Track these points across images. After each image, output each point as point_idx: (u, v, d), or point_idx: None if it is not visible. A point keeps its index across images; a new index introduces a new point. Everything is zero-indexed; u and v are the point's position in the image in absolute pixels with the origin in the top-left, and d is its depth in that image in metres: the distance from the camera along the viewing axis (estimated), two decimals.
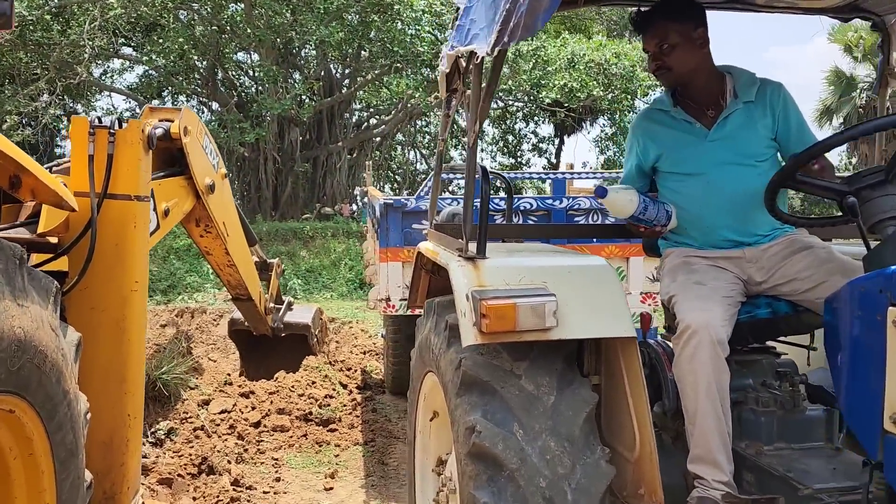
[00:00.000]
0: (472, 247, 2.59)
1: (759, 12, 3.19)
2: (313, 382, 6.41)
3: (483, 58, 2.38)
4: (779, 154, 2.84)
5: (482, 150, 23.78)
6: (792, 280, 2.64)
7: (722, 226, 2.77)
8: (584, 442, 2.36)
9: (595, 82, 15.02)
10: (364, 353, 8.71)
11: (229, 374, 6.32)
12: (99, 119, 3.05)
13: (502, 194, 4.96)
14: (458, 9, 3.00)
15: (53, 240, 2.99)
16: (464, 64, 3.03)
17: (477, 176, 2.60)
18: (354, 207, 19.86)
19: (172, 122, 3.79)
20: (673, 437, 2.73)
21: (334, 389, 6.56)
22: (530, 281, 2.47)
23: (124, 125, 3.11)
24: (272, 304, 6.65)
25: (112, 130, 3.03)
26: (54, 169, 3.21)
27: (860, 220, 2.07)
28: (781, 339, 2.82)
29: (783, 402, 2.55)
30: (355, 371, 7.29)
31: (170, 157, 4.05)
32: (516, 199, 4.97)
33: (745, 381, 2.71)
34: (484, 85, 2.52)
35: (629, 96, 16.45)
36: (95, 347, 2.99)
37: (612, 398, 2.59)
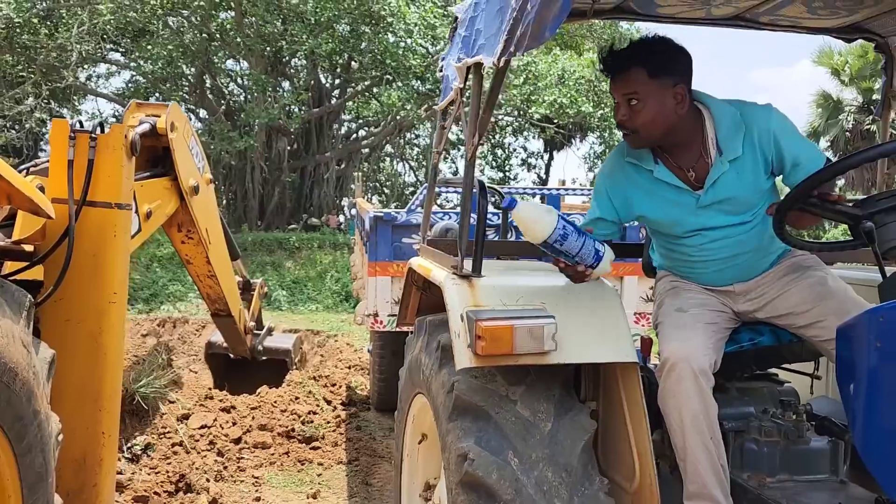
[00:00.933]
0: (468, 264, 2.49)
1: (763, 30, 3.13)
2: (296, 398, 6.26)
3: (484, 68, 2.29)
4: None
5: (457, 174, 23.77)
6: (788, 314, 2.47)
7: (721, 278, 2.57)
8: (583, 472, 2.25)
9: (585, 98, 15.03)
10: (349, 367, 8.55)
11: (210, 388, 6.16)
12: (80, 123, 2.92)
13: (492, 209, 4.87)
14: (456, 18, 2.92)
15: (29, 248, 2.86)
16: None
17: (474, 191, 2.50)
18: (341, 219, 19.74)
19: (159, 117, 3.65)
20: (672, 467, 2.63)
21: (318, 405, 6.41)
22: (528, 301, 2.37)
23: (107, 129, 2.99)
24: (252, 324, 6.49)
25: (93, 135, 2.90)
26: (31, 170, 3.08)
27: (875, 246, 1.98)
28: (785, 366, 2.73)
29: (787, 431, 2.46)
30: (340, 387, 7.14)
31: (154, 157, 3.94)
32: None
33: (746, 410, 2.62)
34: (484, 97, 2.42)
35: None
36: (70, 362, 2.86)
37: (611, 426, 2.49)
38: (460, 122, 2.70)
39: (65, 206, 2.78)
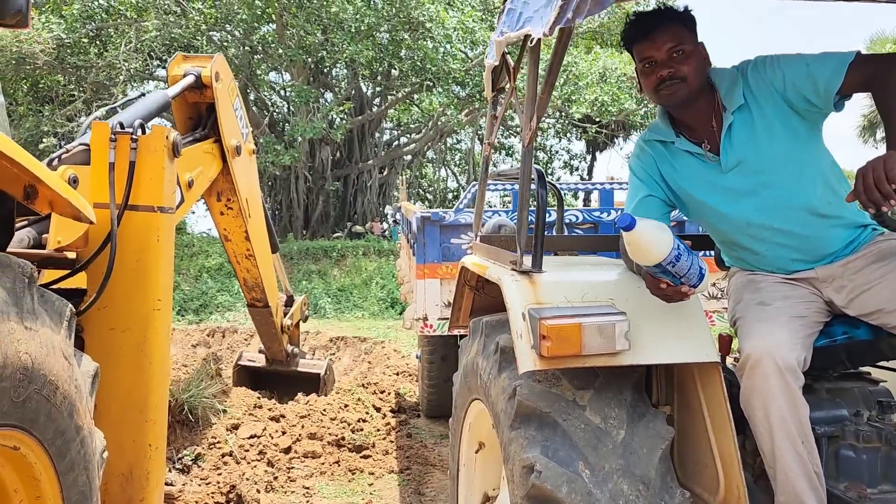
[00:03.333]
0: (527, 260, 2.29)
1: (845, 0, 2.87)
2: (346, 406, 6.13)
3: (539, 42, 2.10)
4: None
5: (511, 167, 23.53)
6: (878, 312, 2.16)
7: (781, 257, 2.34)
8: (661, 484, 2.04)
9: (627, 96, 14.69)
10: (397, 374, 8.41)
11: (259, 397, 6.06)
12: (121, 124, 2.82)
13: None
14: None
15: (71, 255, 2.76)
16: (512, 61, 2.78)
17: (533, 179, 2.31)
18: (385, 226, 19.70)
19: (204, 68, 3.62)
20: (757, 476, 2.39)
21: (367, 413, 6.27)
22: (595, 297, 2.17)
23: (148, 131, 2.88)
24: (289, 321, 6.35)
25: (134, 136, 2.80)
26: (63, 157, 2.98)
27: None
28: (882, 364, 2.47)
29: (889, 437, 2.20)
30: (389, 393, 6.99)
31: (197, 116, 3.87)
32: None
33: (839, 412, 2.35)
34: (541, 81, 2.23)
35: None
36: (115, 372, 2.75)
37: (689, 433, 2.26)
38: (513, 109, 2.52)
39: (107, 211, 2.68)
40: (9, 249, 2.62)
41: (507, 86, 2.70)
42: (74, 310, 2.19)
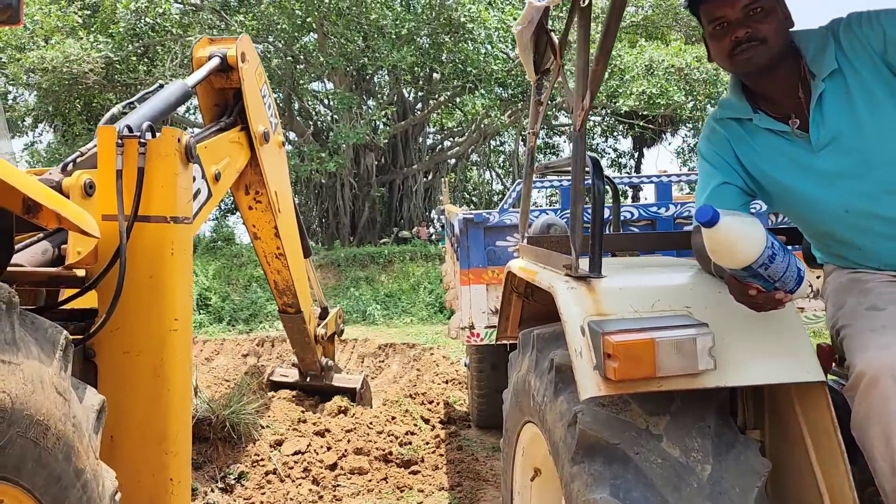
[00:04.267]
0: (584, 263, 1.94)
1: None
2: (393, 418, 5.82)
3: (591, 4, 1.74)
4: None
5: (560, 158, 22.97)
6: None
7: (889, 251, 1.95)
8: None
9: (676, 88, 14.10)
10: (446, 382, 8.08)
11: (303, 411, 5.79)
12: (129, 128, 2.55)
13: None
14: None
15: (81, 272, 2.50)
16: (556, 39, 2.42)
17: (587, 170, 1.95)
18: (432, 230, 19.43)
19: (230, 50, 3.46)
20: None
21: (416, 425, 5.95)
22: (668, 306, 1.81)
23: (158, 134, 2.61)
24: (323, 330, 6.05)
25: (143, 140, 2.53)
26: (78, 160, 2.73)
27: None
28: None
29: None
30: (437, 403, 6.66)
31: (223, 103, 3.72)
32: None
33: None
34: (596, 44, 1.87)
35: (712, 102, 15.41)
36: (131, 399, 2.48)
37: (787, 465, 1.87)
38: (560, 95, 2.16)
39: (116, 224, 2.41)
40: (20, 265, 2.37)
41: (553, 65, 2.35)
42: (71, 336, 1.92)
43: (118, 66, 16.22)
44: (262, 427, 5.29)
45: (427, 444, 5.64)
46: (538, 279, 2.16)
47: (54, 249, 2.67)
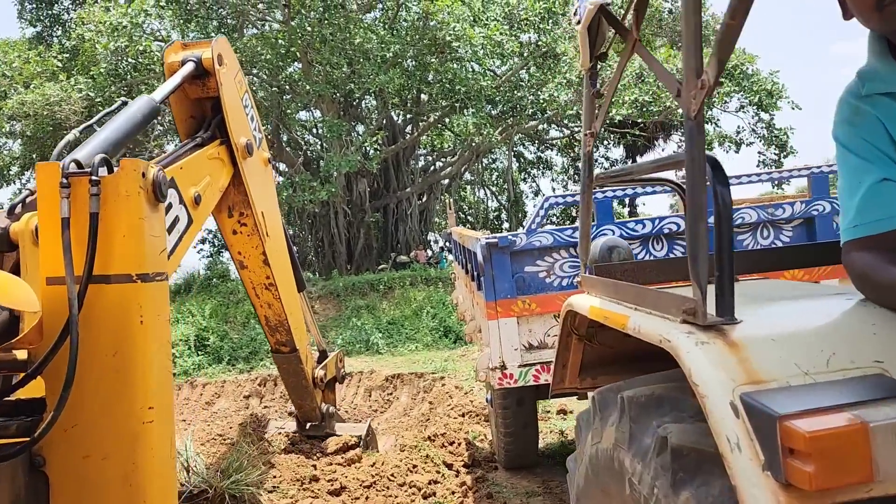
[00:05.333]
0: (712, 306, 1.35)
1: None
2: (414, 467, 5.18)
3: None
4: None
5: (552, 181, 22.47)
6: None
7: None
8: None
9: (668, 94, 13.61)
10: (462, 415, 7.44)
11: (314, 465, 5.14)
12: (77, 163, 1.95)
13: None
14: None
15: (23, 354, 1.88)
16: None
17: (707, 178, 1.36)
18: (430, 252, 18.84)
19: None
20: None
21: (438, 472, 5.32)
22: (851, 361, 1.22)
23: (116, 168, 2.00)
24: (322, 372, 5.40)
25: (95, 178, 1.92)
26: (28, 200, 2.14)
27: None
28: None
29: None
30: (458, 444, 6.03)
31: (200, 115, 3.35)
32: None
33: None
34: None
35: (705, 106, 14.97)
36: None
37: None
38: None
39: (63, 289, 1.80)
40: None
41: (630, 34, 1.78)
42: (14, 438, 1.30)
43: (100, 107, 15.63)
44: (269, 492, 4.64)
45: (453, 493, 5.00)
46: (636, 327, 1.56)
47: (8, 318, 2.07)
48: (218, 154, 3.53)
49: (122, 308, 1.89)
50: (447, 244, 6.68)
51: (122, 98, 3.45)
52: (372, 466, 5.20)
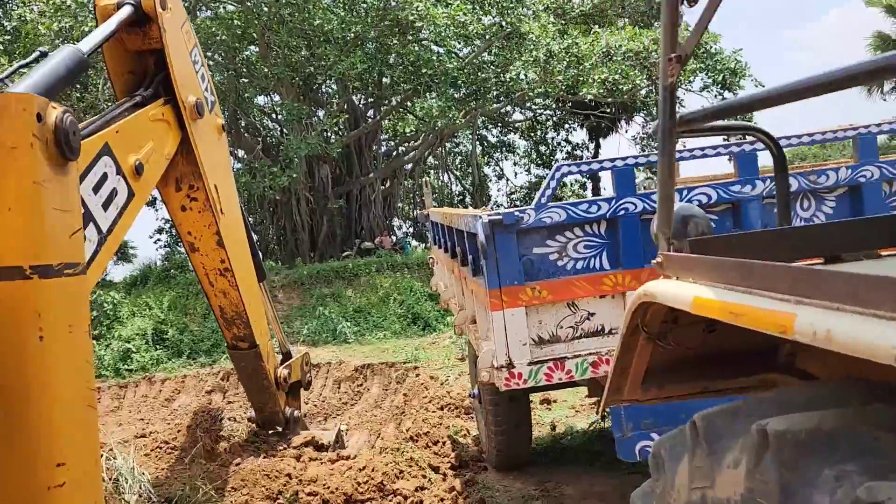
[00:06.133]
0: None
1: None
2: (400, 472, 4.58)
3: None
4: None
5: (514, 164, 21.94)
6: None
7: None
8: None
9: (637, 72, 13.16)
10: (441, 408, 6.87)
11: (289, 475, 4.48)
12: None
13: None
14: None
15: None
16: None
17: None
18: (394, 239, 18.16)
19: None
20: None
21: (424, 476, 4.74)
22: None
23: None
24: (285, 371, 4.73)
25: None
26: None
27: None
28: None
29: None
30: (443, 443, 5.45)
31: (140, 71, 2.90)
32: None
33: None
34: None
35: None
36: None
37: None
38: None
39: None
40: None
41: None
42: None
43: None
44: None
45: (442, 500, 4.43)
46: (822, 332, 0.97)
47: None
48: (162, 115, 2.99)
49: (9, 317, 1.23)
50: (423, 226, 6.04)
51: (42, 48, 2.79)
52: (349, 472, 4.57)
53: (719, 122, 1.77)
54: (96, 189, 2.82)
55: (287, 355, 4.92)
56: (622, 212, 3.02)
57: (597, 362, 3.05)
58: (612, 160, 3.11)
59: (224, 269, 3.70)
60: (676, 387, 1.83)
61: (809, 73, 1.09)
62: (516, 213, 2.99)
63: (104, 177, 2.83)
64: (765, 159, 3.12)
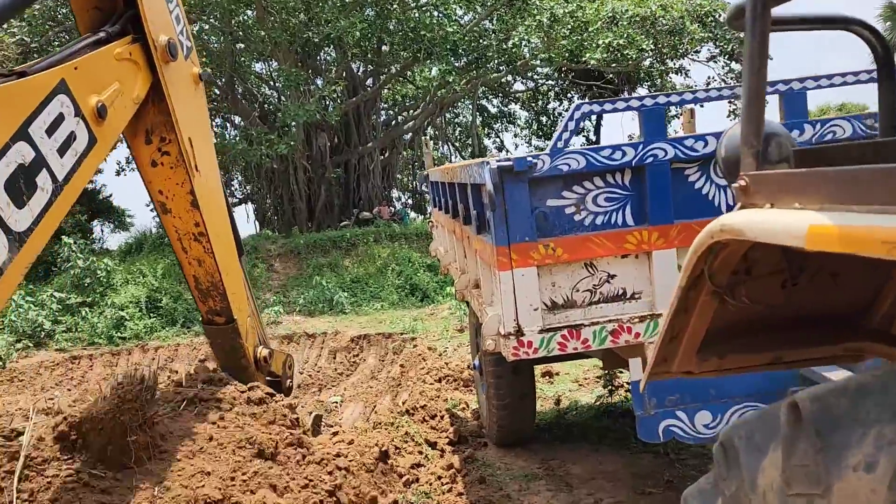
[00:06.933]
0: None
1: None
2: (397, 449, 4.20)
3: None
4: None
5: (515, 136, 21.36)
6: None
7: None
8: None
9: (642, 38, 12.60)
10: (438, 380, 6.50)
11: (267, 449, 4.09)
12: None
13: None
14: None
15: None
16: None
17: None
18: (393, 209, 17.71)
19: None
20: None
21: (421, 452, 4.37)
22: None
23: None
24: (266, 351, 4.25)
25: None
26: None
27: None
28: None
29: None
30: (441, 417, 5.08)
31: (108, 6, 2.61)
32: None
33: None
34: None
35: (678, 53, 14.00)
36: None
37: None
38: None
39: None
40: None
41: None
42: None
43: (36, 54, 13.94)
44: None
45: (440, 479, 4.06)
46: None
47: None
48: (130, 54, 2.65)
49: None
50: (422, 190, 5.60)
51: None
52: (336, 447, 4.18)
53: (815, 14, 1.35)
54: (50, 131, 2.46)
55: (269, 354, 4.45)
56: (650, 159, 2.60)
57: (617, 330, 2.65)
58: (641, 98, 2.68)
59: (199, 233, 3.31)
60: (741, 357, 1.43)
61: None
62: (529, 159, 2.56)
63: (60, 117, 2.47)
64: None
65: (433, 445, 4.51)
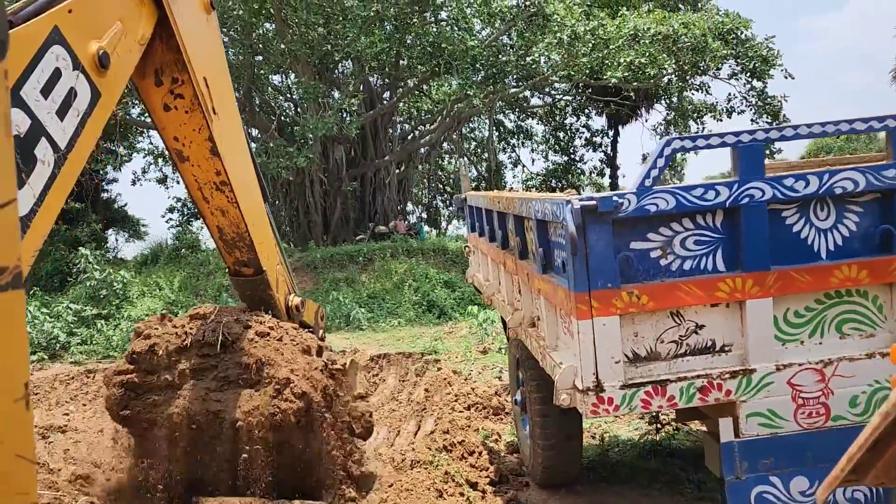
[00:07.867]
0: None
1: None
2: (439, 494, 3.92)
3: None
4: None
5: (532, 151, 21.10)
6: None
7: None
8: None
9: (664, 56, 12.35)
10: (467, 408, 6.21)
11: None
12: None
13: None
14: None
15: None
16: None
17: None
18: (409, 223, 17.47)
19: None
20: None
21: (462, 494, 4.09)
22: None
23: None
24: (297, 299, 4.02)
25: None
26: None
27: None
28: None
29: None
30: (479, 454, 4.78)
31: None
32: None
33: None
34: None
35: (699, 70, 13.75)
36: None
37: None
38: None
39: None
40: None
41: None
42: None
43: None
44: None
45: None
46: None
47: None
48: None
49: None
50: (459, 212, 5.34)
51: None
52: (379, 490, 3.93)
53: None
54: (46, 91, 2.06)
55: (301, 304, 4.19)
56: (746, 199, 2.33)
57: (706, 387, 2.38)
58: (737, 133, 2.41)
59: (220, 182, 3.01)
60: None
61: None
62: (615, 199, 2.30)
63: (56, 73, 2.08)
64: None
65: (474, 486, 4.23)
